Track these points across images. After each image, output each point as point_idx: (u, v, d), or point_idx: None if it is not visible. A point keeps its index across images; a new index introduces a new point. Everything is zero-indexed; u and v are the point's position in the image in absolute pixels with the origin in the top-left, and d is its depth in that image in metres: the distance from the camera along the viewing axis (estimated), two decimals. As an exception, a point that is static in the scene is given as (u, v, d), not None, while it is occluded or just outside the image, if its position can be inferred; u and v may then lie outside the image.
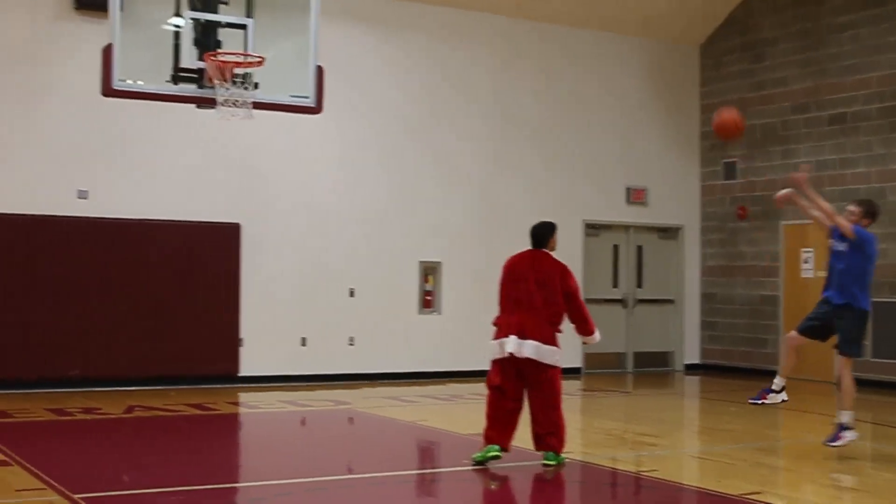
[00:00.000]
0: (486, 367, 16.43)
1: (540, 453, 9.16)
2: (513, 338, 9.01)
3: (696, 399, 16.07)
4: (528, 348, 8.98)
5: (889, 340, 16.27)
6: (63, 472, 8.61)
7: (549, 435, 9.10)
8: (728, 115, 10.61)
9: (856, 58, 17.00)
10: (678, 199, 19.21)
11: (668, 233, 19.25)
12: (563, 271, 9.33)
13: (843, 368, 10.35)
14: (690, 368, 19.02)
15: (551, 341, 9.08)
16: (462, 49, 17.30)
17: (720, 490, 8.40)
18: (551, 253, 9.52)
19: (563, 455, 9.16)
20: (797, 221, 17.74)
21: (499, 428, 9.13)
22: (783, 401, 10.43)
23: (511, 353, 8.99)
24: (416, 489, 8.92)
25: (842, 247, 10.07)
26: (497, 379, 9.19)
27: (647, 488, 8.83)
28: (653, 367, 18.95)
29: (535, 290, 9.18)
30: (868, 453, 11.04)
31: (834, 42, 17.34)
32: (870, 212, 10.23)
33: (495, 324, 9.37)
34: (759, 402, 10.39)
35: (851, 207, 10.25)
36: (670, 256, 19.28)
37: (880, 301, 16.39)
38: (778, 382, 10.40)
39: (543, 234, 9.58)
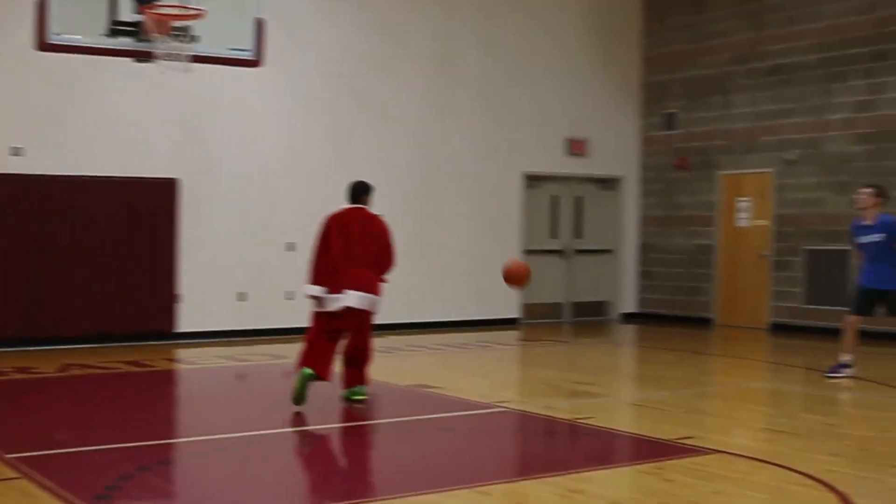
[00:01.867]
0: (424, 318, 16.46)
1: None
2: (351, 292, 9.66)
3: (632, 347, 16.24)
4: (354, 299, 9.68)
5: (822, 287, 16.52)
6: (-4, 430, 8.56)
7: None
8: (514, 267, 10.49)
9: (795, 9, 17.11)
10: (618, 150, 19.30)
11: (608, 184, 19.34)
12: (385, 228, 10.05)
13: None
14: (628, 317, 19.21)
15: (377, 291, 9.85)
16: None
17: (654, 435, 8.53)
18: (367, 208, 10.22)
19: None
20: (734, 171, 17.93)
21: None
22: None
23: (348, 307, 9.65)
24: (353, 440, 8.95)
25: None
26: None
27: (582, 435, 8.94)
28: (590, 317, 19.10)
29: (367, 243, 9.91)
30: (799, 397, 11.25)
31: (773, -7, 17.46)
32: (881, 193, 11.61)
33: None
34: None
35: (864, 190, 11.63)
36: (610, 207, 19.39)
37: (814, 249, 16.65)
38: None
39: (362, 190, 10.43)
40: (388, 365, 13.07)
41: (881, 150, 15.90)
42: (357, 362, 9.98)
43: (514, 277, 10.29)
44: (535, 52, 18.34)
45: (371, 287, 9.80)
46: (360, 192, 10.37)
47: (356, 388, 9.97)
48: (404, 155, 17.08)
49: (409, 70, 17.16)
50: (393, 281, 16.65)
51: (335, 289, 9.70)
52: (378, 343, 14.73)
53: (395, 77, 17.01)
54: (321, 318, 9.79)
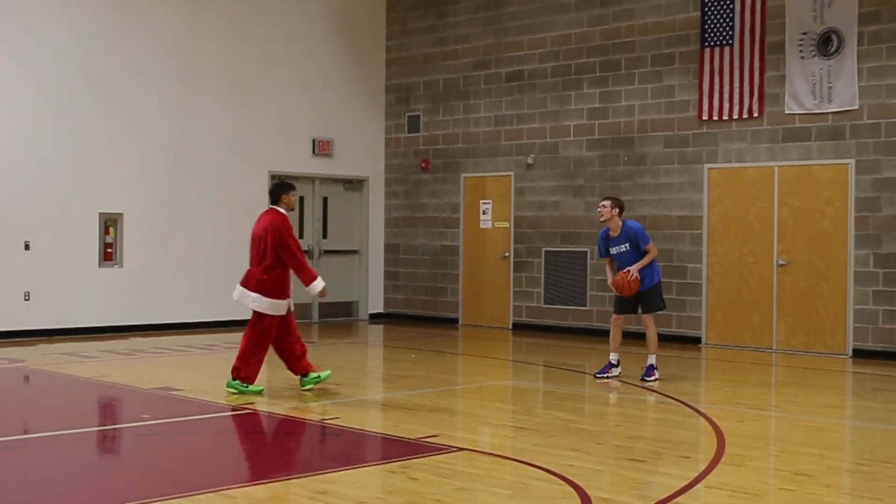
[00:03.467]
0: (168, 319, 16.19)
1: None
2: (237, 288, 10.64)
3: (379, 347, 16.41)
4: (240, 296, 10.61)
5: (560, 288, 17.17)
6: None
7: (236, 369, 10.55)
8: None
9: (532, 18, 17.70)
10: (364, 151, 19.47)
11: (354, 184, 19.48)
12: (278, 226, 10.56)
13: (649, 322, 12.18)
14: (374, 317, 19.42)
15: (258, 290, 10.47)
16: (143, -6, 16.76)
17: (400, 435, 8.66)
18: (280, 209, 10.81)
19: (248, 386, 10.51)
20: (477, 174, 18.40)
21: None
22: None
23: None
24: (93, 446, 8.68)
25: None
26: None
27: (329, 436, 8.98)
28: (338, 317, 19.21)
29: (252, 244, 10.75)
30: (540, 394, 11.66)
31: (513, 2, 17.98)
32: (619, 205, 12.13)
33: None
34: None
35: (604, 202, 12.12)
36: (355, 208, 19.54)
37: (552, 250, 17.28)
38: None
39: (275, 192, 10.96)
40: (131, 368, 12.75)
41: (613, 155, 16.66)
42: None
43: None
44: (281, 52, 18.28)
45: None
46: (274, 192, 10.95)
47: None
48: (148, 152, 16.67)
49: (154, 67, 16.76)
50: (136, 283, 16.40)
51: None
52: (120, 345, 14.46)
53: (138, 73, 16.58)
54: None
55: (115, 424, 9.82)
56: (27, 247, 15.42)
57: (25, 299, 15.42)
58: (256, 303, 10.49)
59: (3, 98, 15.32)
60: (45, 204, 15.63)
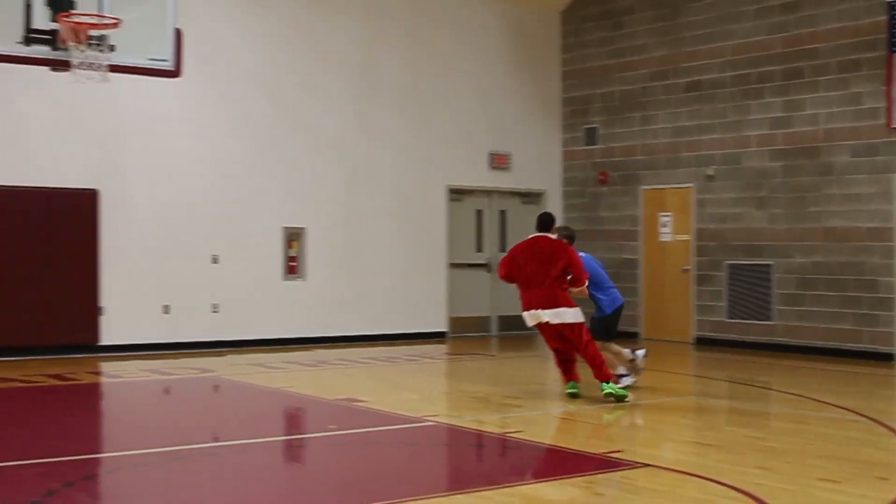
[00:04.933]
0: (351, 332, 16.44)
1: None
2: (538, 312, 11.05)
3: (558, 361, 16.29)
4: (553, 316, 10.97)
5: (742, 301, 16.78)
6: (-85, 446, 8.35)
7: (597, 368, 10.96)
8: None
9: (710, 27, 17.40)
10: (540, 164, 19.44)
11: (531, 198, 19.47)
12: (567, 248, 11.31)
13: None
14: (553, 331, 19.30)
15: (567, 304, 11.01)
16: (325, 9, 17.13)
17: (583, 449, 8.59)
18: (552, 236, 11.49)
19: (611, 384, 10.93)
20: (656, 186, 18.15)
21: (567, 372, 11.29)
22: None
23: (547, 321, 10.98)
24: (281, 455, 8.89)
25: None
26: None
27: (512, 449, 8.96)
28: (517, 331, 19.16)
29: (535, 266, 11.17)
30: (724, 411, 11.40)
31: (690, 11, 17.71)
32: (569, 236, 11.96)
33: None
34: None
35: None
36: (533, 221, 19.43)
37: (735, 264, 16.91)
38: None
39: (548, 222, 11.66)
40: (316, 379, 13.01)
41: (797, 166, 16.21)
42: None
43: None
44: (457, 67, 18.43)
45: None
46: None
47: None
48: (328, 168, 17.03)
49: (332, 83, 17.12)
50: (319, 295, 16.75)
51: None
52: (305, 356, 14.71)
53: (318, 89, 16.96)
54: None
55: (302, 434, 10.03)
56: (215, 260, 15.92)
57: (214, 311, 15.93)
58: (574, 315, 10.96)
59: (194, 118, 15.89)
60: (231, 219, 16.12)
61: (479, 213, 18.87)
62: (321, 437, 9.41)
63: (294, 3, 16.84)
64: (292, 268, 16.70)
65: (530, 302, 11.13)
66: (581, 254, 11.76)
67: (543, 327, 11.11)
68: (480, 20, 18.75)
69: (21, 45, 9.96)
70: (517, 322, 19.39)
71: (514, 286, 11.54)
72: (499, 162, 18.88)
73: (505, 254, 11.82)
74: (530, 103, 19.34)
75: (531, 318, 11.17)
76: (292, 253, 16.71)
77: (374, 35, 17.58)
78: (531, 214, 19.41)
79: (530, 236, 11.48)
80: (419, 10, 18.06)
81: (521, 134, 19.18)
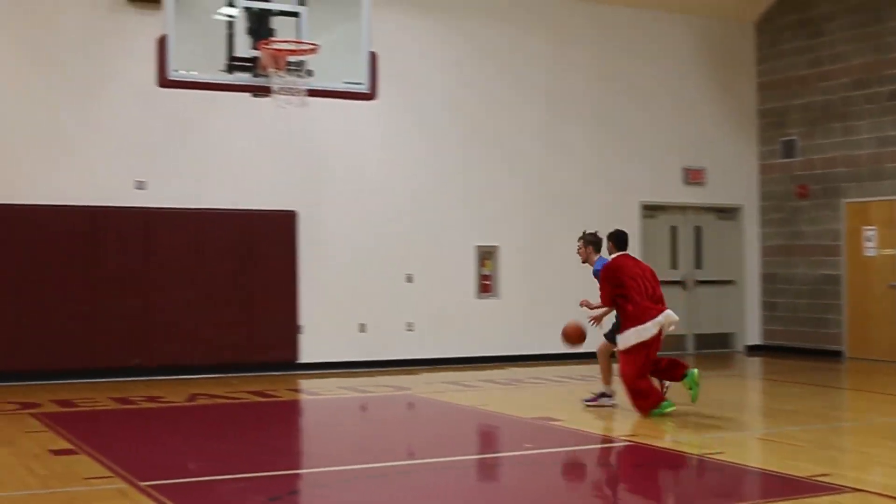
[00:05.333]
0: (545, 350, 16.31)
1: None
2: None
3: (758, 380, 15.89)
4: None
5: None
6: (129, 460, 8.68)
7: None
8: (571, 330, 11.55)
9: (917, 31, 16.71)
10: (736, 178, 18.98)
11: (727, 213, 19.04)
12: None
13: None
14: (752, 349, 18.83)
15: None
16: (513, 31, 17.20)
17: (787, 472, 8.29)
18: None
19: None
20: (860, 199, 17.48)
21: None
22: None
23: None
24: (477, 474, 8.89)
25: None
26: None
27: (712, 470, 8.73)
28: (714, 349, 18.78)
29: (645, 283, 11.20)
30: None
31: (891, 16, 17.02)
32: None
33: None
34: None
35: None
36: (729, 237, 19.07)
37: None
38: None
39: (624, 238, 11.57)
40: (511, 397, 13.01)
41: None
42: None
43: (568, 337, 11.45)
44: (647, 81, 18.20)
45: None
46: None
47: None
48: (519, 186, 17.06)
49: (523, 101, 17.16)
50: (513, 314, 16.76)
51: None
52: (499, 375, 14.71)
53: (507, 109, 17.03)
54: None
55: (498, 453, 10.01)
56: (410, 279, 16.13)
57: (409, 330, 16.12)
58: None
59: (387, 139, 16.19)
60: (425, 238, 16.32)
61: (673, 229, 18.57)
62: (517, 455, 9.37)
63: (483, 25, 16.96)
64: (485, 286, 16.76)
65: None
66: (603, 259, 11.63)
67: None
68: (670, 34, 18.47)
69: (224, 73, 10.29)
70: (714, 340, 19.11)
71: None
72: (693, 177, 18.54)
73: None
74: (725, 116, 18.93)
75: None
76: (485, 271, 16.78)
77: (562, 54, 17.54)
78: (728, 230, 19.08)
79: (622, 255, 11.44)
80: (606, 26, 17.92)
81: (715, 148, 18.79)
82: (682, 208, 18.59)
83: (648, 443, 9.68)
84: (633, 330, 10.80)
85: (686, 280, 18.44)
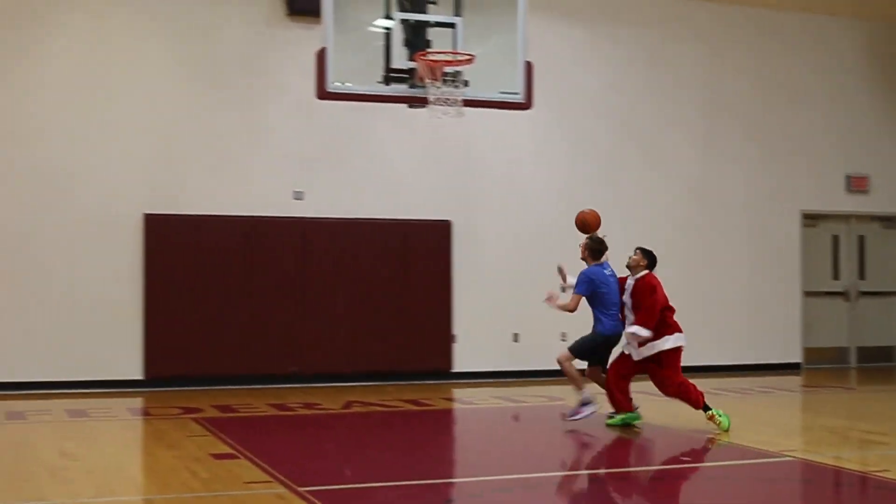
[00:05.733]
0: (700, 362, 16.06)
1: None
2: None
3: (925, 395, 15.31)
4: None
5: None
6: (287, 465, 8.84)
7: None
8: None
9: None
10: (902, 186, 18.37)
11: (892, 222, 18.42)
12: None
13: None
14: (919, 364, 18.19)
15: None
16: (670, 38, 17.00)
17: (959, 492, 7.97)
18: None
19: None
20: None
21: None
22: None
23: None
24: (632, 487, 8.77)
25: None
26: None
27: (876, 488, 8.44)
28: (877, 363, 18.18)
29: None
30: None
31: None
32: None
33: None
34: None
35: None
36: (894, 246, 18.44)
37: None
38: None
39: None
40: (665, 409, 12.80)
41: None
42: None
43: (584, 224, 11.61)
44: (807, 86, 17.77)
45: None
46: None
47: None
48: (676, 193, 16.85)
49: (679, 107, 16.95)
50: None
51: None
52: (648, 387, 14.46)
53: (664, 115, 16.83)
54: None
55: (653, 466, 9.87)
56: (563, 290, 15.98)
57: (562, 340, 15.98)
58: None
59: (542, 148, 16.20)
60: (578, 247, 16.15)
61: (835, 238, 18.06)
62: (674, 469, 9.22)
63: (639, 31, 16.81)
64: (637, 295, 16.51)
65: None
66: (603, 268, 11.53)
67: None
68: (831, 38, 17.97)
69: (381, 85, 10.43)
70: (879, 353, 18.49)
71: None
72: (857, 185, 18.00)
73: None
74: (890, 122, 18.32)
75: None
76: (639, 281, 16.53)
77: (721, 59, 17.25)
78: (893, 240, 18.44)
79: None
80: (766, 31, 17.55)
81: (880, 154, 18.20)
82: (845, 217, 18.06)
83: (809, 458, 9.41)
84: (673, 336, 11.23)
85: (849, 291, 17.91)
